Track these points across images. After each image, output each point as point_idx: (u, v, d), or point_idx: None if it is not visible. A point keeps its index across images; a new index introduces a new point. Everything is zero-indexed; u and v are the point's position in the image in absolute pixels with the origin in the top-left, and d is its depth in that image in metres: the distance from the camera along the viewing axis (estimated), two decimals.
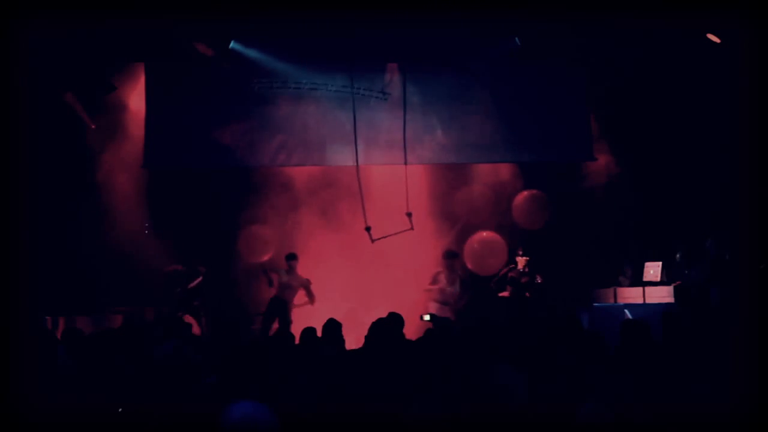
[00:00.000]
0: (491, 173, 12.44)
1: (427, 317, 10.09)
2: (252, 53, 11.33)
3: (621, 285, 11.08)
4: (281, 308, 10.82)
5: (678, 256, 10.46)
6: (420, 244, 11.72)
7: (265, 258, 11.87)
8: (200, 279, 11.35)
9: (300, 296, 11.25)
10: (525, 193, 12.25)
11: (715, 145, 10.42)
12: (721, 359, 4.77)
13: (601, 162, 12.11)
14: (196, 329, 10.82)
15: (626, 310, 10.06)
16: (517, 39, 11.09)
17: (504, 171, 12.38)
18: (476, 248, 12.17)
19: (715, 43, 10.19)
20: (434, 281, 11.36)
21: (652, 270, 10.58)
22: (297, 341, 6.56)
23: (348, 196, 11.71)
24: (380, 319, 6.83)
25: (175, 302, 11.16)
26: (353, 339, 7.14)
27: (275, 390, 4.01)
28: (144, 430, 4.01)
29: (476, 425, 3.90)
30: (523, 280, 11.18)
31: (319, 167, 12.21)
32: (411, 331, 7.03)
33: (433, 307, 11.05)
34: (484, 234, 12.23)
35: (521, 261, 11.26)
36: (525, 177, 12.33)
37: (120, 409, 4.13)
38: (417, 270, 11.69)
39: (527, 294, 11.12)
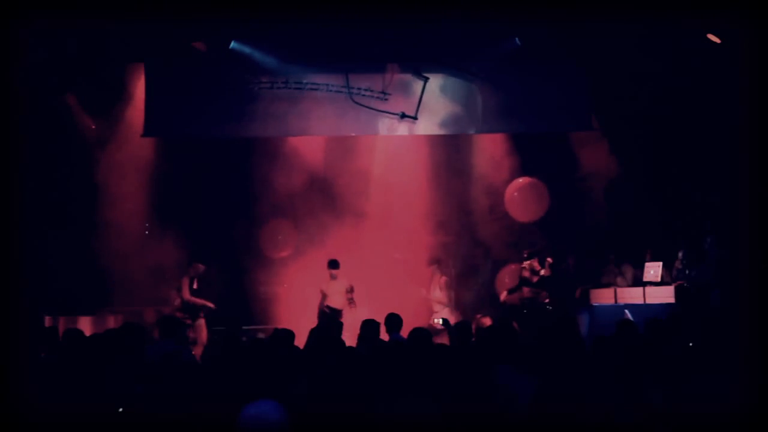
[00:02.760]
0: (491, 172, 12.45)
1: (439, 320, 10.12)
2: (251, 52, 11.29)
3: (618, 286, 11.08)
4: (332, 319, 10.58)
5: (680, 255, 10.44)
6: (419, 242, 11.77)
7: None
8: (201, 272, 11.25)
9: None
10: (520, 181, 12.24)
11: (715, 145, 10.42)
12: (722, 359, 4.77)
13: (601, 162, 12.09)
14: (196, 329, 10.83)
15: (626, 310, 10.07)
16: (517, 39, 11.07)
17: (504, 171, 12.37)
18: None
19: (715, 43, 10.19)
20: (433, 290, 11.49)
21: (653, 270, 10.57)
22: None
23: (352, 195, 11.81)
24: (370, 320, 6.85)
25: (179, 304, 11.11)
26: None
27: (274, 390, 4.00)
28: (143, 430, 4.01)
29: (475, 425, 3.89)
30: (534, 279, 11.20)
31: (322, 168, 12.27)
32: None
33: (439, 310, 11.12)
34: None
35: (528, 264, 11.29)
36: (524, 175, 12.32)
37: (120, 409, 4.13)
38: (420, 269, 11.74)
39: (543, 292, 11.16)
